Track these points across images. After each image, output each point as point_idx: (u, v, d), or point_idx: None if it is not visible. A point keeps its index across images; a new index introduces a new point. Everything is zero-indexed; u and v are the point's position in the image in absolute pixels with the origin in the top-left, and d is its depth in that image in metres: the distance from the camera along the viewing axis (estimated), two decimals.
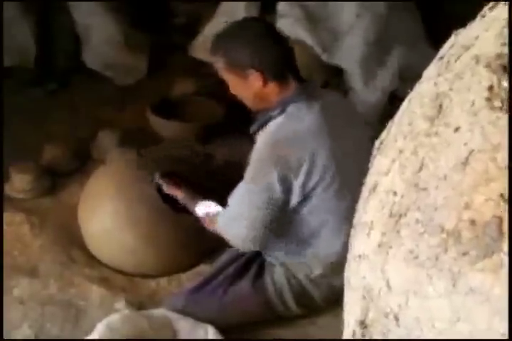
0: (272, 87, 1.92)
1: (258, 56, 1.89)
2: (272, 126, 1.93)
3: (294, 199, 1.92)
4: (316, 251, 2.03)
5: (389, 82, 2.61)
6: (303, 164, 1.87)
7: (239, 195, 1.96)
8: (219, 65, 1.96)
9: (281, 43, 1.95)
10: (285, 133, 1.90)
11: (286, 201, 1.92)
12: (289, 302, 2.10)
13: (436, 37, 2.72)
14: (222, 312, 2.07)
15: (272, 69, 1.91)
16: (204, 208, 2.11)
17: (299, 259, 2.07)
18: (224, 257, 2.18)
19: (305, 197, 1.92)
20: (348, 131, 1.97)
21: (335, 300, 2.03)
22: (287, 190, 1.90)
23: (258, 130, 1.99)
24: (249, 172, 1.94)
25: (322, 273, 2.06)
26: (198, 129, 2.79)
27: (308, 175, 1.89)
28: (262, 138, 1.94)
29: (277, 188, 1.88)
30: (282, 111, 1.92)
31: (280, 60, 1.92)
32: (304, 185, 1.89)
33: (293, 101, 1.91)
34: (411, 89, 1.03)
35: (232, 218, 1.98)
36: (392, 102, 2.61)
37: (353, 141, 1.97)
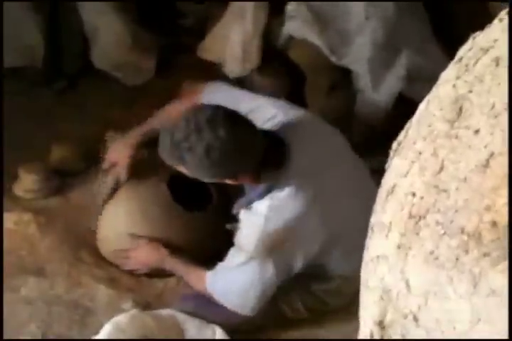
0: (249, 177, 1.90)
1: (233, 173, 1.84)
2: (258, 216, 1.91)
3: (296, 270, 1.98)
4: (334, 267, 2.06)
5: (397, 83, 2.61)
6: (297, 250, 1.93)
7: (229, 276, 2.00)
8: (181, 170, 1.87)
9: (252, 141, 1.81)
10: (276, 228, 1.89)
11: (289, 273, 1.99)
12: (299, 308, 2.12)
13: (444, 39, 2.72)
14: (231, 316, 2.06)
15: (249, 173, 1.87)
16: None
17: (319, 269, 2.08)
18: None
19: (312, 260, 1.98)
20: (337, 186, 1.95)
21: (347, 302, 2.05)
22: (285, 273, 1.97)
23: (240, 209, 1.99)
24: (240, 257, 1.96)
25: (339, 286, 2.06)
26: None
27: (307, 254, 1.95)
28: (250, 228, 1.94)
29: (273, 275, 1.95)
30: (262, 196, 1.91)
31: (255, 162, 1.83)
32: (304, 260, 1.95)
33: (274, 187, 1.89)
34: (425, 90, 1.03)
35: (228, 292, 2.02)
36: (400, 103, 2.60)
37: (348, 192, 1.97)
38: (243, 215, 1.98)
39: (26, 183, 2.56)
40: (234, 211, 2.04)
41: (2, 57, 2.79)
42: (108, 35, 3.04)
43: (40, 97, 3.00)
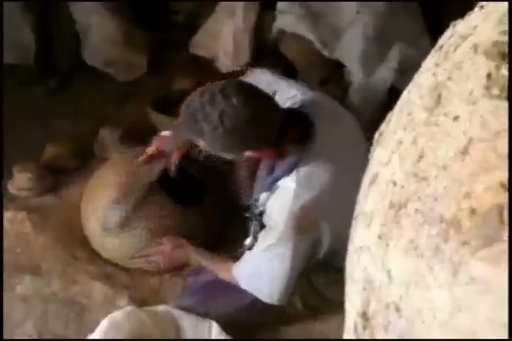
0: (270, 151, 1.88)
1: (250, 142, 1.80)
2: (286, 192, 1.88)
3: (322, 252, 1.93)
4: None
5: (389, 76, 2.61)
6: (327, 226, 1.87)
7: (261, 260, 1.94)
8: (200, 145, 1.85)
9: (266, 110, 1.80)
10: (305, 203, 1.85)
11: (315, 255, 1.94)
12: (296, 303, 2.12)
13: (436, 33, 2.71)
14: (231, 315, 2.06)
15: (267, 144, 1.83)
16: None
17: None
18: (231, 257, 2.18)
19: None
20: (356, 165, 1.92)
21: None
22: (316, 252, 1.92)
23: (268, 188, 1.96)
24: (270, 240, 1.91)
25: (340, 277, 2.04)
26: None
27: (332, 234, 1.88)
28: (280, 208, 1.90)
29: (303, 257, 1.90)
30: (291, 169, 1.88)
31: (272, 132, 1.81)
32: (330, 241, 1.89)
33: (300, 163, 1.86)
34: (410, 80, 1.02)
35: (256, 279, 1.97)
36: (392, 96, 2.60)
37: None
38: (268, 197, 1.95)
39: (20, 181, 2.56)
40: (254, 195, 2.03)
41: (2, 57, 2.80)
42: (100, 33, 3.04)
43: (33, 95, 3.01)
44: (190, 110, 1.77)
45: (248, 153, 1.84)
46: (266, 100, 1.82)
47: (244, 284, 2.00)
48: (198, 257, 2.19)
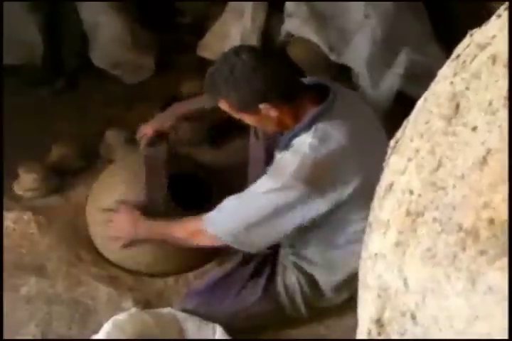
0: (288, 109, 1.89)
1: (261, 91, 1.84)
2: (301, 145, 1.87)
3: (321, 211, 1.89)
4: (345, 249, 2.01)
5: (396, 81, 2.61)
6: (335, 185, 1.85)
7: (253, 203, 1.90)
8: (223, 106, 1.93)
9: (278, 66, 1.87)
10: (319, 156, 1.84)
11: (310, 216, 1.89)
12: (300, 306, 2.11)
13: (443, 37, 2.72)
14: (232, 315, 2.07)
15: (280, 96, 1.86)
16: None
17: (330, 257, 2.05)
18: (235, 259, 2.18)
19: (338, 206, 1.89)
20: (371, 139, 1.92)
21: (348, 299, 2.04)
22: (311, 208, 1.87)
23: (285, 147, 1.95)
24: (273, 183, 1.86)
25: (345, 279, 2.04)
26: (206, 129, 2.79)
27: (339, 192, 1.86)
28: (293, 158, 1.87)
29: (301, 206, 1.85)
30: (308, 127, 1.88)
31: (284, 84, 1.86)
32: (332, 201, 1.87)
33: (318, 120, 1.87)
34: (424, 88, 1.03)
35: (238, 222, 1.92)
36: (399, 101, 2.61)
37: (377, 149, 1.88)
38: (283, 152, 1.93)
39: (26, 182, 2.56)
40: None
41: (2, 57, 2.80)
42: (107, 34, 3.04)
43: (39, 96, 3.01)
44: (209, 71, 1.90)
45: (264, 107, 1.85)
46: (276, 55, 1.94)
47: (219, 228, 1.94)
48: (146, 226, 2.13)
